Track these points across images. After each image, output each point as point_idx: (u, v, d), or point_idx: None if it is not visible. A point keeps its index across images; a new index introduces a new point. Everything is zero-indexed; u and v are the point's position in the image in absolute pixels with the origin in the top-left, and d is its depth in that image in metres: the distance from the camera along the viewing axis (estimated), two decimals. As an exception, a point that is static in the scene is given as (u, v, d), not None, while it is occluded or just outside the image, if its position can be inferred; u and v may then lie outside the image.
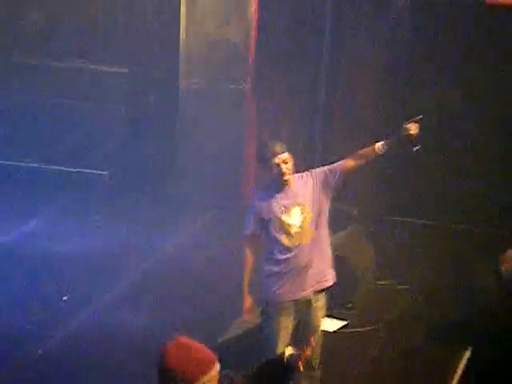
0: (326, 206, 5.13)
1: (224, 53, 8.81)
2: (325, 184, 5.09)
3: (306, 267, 5.11)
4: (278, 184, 5.07)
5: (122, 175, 8.85)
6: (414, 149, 4.92)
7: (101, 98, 9.08)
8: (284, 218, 5.06)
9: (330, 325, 6.41)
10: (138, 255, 7.49)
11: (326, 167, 5.12)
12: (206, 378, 3.06)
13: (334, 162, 5.11)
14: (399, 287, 7.08)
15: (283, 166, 5.00)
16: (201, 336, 3.33)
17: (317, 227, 5.11)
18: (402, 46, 8.29)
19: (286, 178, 5.02)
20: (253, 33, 8.36)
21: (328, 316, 6.36)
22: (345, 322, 6.48)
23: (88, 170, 8.91)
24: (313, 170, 5.15)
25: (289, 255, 5.07)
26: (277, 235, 5.05)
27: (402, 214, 8.18)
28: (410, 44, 8.27)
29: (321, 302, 5.25)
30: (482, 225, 7.86)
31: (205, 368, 3.06)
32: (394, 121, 7.53)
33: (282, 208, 5.07)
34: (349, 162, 5.06)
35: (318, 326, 5.28)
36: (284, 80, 8.37)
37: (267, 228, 5.08)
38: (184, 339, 3.11)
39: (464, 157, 8.20)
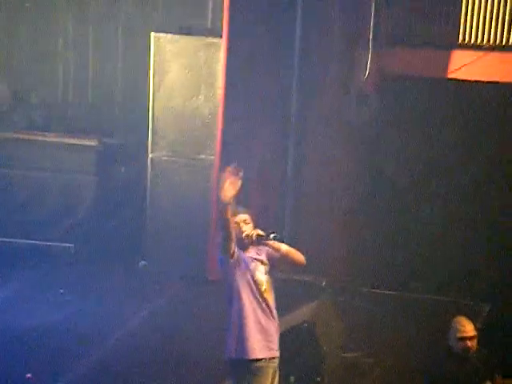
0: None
1: (193, 124, 8.90)
2: (269, 258, 5.30)
3: (273, 328, 5.19)
4: (244, 244, 5.21)
5: (88, 247, 8.83)
6: (272, 236, 5.18)
7: (68, 170, 9.05)
8: (256, 273, 5.18)
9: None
10: (103, 329, 7.38)
11: None
12: None
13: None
14: (367, 360, 7.04)
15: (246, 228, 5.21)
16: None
17: (272, 289, 5.25)
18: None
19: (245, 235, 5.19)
20: (220, 105, 8.51)
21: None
22: (313, 397, 6.41)
23: (54, 243, 8.88)
24: None
25: (260, 311, 5.15)
26: (250, 288, 5.13)
27: (369, 284, 8.21)
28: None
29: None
30: (450, 295, 7.92)
31: None
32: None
33: (254, 263, 5.21)
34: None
35: None
36: (250, 150, 8.51)
37: (240, 278, 5.13)
38: None
39: (433, 223, 8.33)
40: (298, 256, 5.25)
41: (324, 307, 7.18)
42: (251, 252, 5.28)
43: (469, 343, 5.59)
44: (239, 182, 4.98)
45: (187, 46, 8.79)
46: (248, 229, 5.22)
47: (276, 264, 5.31)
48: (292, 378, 6.46)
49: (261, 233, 5.20)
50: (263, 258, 5.28)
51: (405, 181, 8.41)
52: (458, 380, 5.52)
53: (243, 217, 5.26)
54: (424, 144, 8.51)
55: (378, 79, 8.50)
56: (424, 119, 8.47)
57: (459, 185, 8.39)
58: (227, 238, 5.08)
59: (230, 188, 4.96)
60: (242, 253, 5.21)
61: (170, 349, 7.07)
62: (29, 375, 6.49)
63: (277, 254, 5.25)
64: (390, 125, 8.51)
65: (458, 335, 5.60)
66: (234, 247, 5.11)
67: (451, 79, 8.37)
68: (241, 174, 5.01)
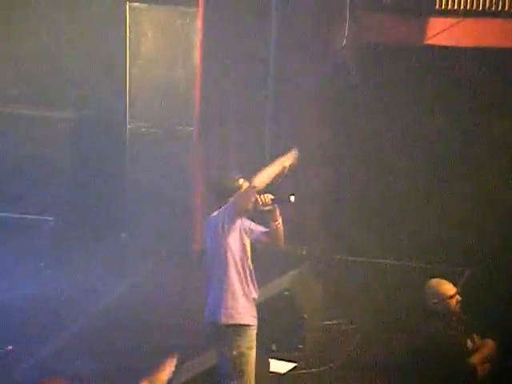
0: None
1: (171, 95, 8.87)
2: (251, 231, 5.24)
3: (254, 297, 5.20)
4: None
5: (68, 220, 8.82)
6: (292, 198, 5.11)
7: (46, 142, 9.01)
8: (246, 240, 5.15)
9: (280, 367, 6.40)
10: (83, 300, 7.41)
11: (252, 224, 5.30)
12: None
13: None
14: (347, 327, 7.10)
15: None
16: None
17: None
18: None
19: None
20: (198, 75, 8.48)
21: (277, 358, 6.42)
22: (294, 364, 6.46)
23: (33, 216, 8.86)
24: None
25: (247, 278, 5.14)
26: (240, 254, 5.10)
27: (350, 252, 8.28)
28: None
29: None
30: (431, 262, 8.01)
31: None
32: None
33: (243, 231, 5.15)
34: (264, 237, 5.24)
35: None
36: (229, 119, 8.50)
37: (233, 243, 5.09)
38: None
39: (410, 191, 8.38)
40: (282, 234, 5.23)
41: (304, 276, 7.21)
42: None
43: (454, 301, 5.68)
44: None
45: (163, 15, 8.74)
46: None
47: (257, 237, 5.22)
48: (274, 346, 6.51)
49: (272, 197, 5.13)
50: (247, 230, 5.20)
51: (383, 149, 8.43)
52: (443, 340, 5.60)
53: (247, 184, 5.15)
54: (401, 112, 8.51)
55: (355, 47, 8.47)
56: (402, 87, 8.46)
57: (437, 152, 8.43)
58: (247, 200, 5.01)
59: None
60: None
61: (152, 318, 7.11)
62: (10, 347, 6.51)
63: (258, 228, 5.22)
64: (367, 93, 8.50)
65: (443, 295, 5.67)
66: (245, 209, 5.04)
67: (428, 46, 8.36)
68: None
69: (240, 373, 5.10)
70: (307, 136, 8.29)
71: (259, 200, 5.12)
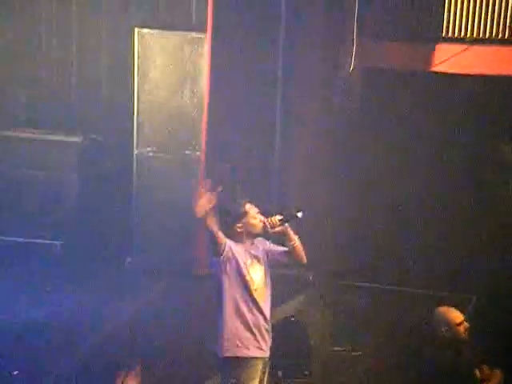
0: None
1: (179, 120, 8.90)
2: (269, 253, 5.19)
3: (262, 328, 5.11)
4: (247, 237, 5.09)
5: (75, 244, 8.83)
6: (299, 215, 5.03)
7: (54, 167, 9.04)
8: (250, 270, 5.05)
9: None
10: (90, 326, 7.38)
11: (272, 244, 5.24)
12: None
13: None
14: (355, 354, 7.05)
15: (260, 217, 5.08)
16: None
17: (267, 288, 5.13)
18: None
19: (261, 227, 5.07)
20: (206, 100, 8.52)
21: (283, 384, 6.38)
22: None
23: (40, 240, 8.87)
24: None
25: (248, 310, 5.05)
26: (239, 286, 5.01)
27: (357, 278, 8.25)
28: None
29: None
30: (436, 289, 7.98)
31: None
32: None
33: (251, 259, 5.06)
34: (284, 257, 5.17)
35: None
36: (237, 144, 8.52)
37: (229, 276, 5.01)
38: None
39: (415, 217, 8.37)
40: (303, 253, 5.15)
41: (311, 301, 7.19)
42: (247, 246, 5.12)
43: (461, 328, 5.63)
44: (215, 198, 4.84)
45: (171, 41, 8.79)
46: (259, 218, 5.09)
47: (276, 258, 5.17)
48: (280, 373, 6.46)
49: (280, 217, 5.07)
50: (260, 254, 5.13)
51: (389, 174, 8.44)
52: (451, 370, 5.55)
53: (255, 209, 5.13)
54: (406, 137, 8.54)
55: (362, 72, 8.51)
56: (407, 112, 8.49)
57: (441, 177, 8.44)
58: (212, 241, 4.94)
59: (204, 204, 4.81)
60: (237, 248, 5.05)
61: (158, 344, 7.07)
62: (16, 372, 6.48)
63: (277, 249, 5.15)
64: (372, 118, 8.53)
65: (451, 323, 5.62)
66: (222, 246, 4.97)
67: (435, 72, 8.40)
68: (219, 189, 4.87)
69: None
70: (315, 161, 8.32)
71: (267, 223, 5.07)
